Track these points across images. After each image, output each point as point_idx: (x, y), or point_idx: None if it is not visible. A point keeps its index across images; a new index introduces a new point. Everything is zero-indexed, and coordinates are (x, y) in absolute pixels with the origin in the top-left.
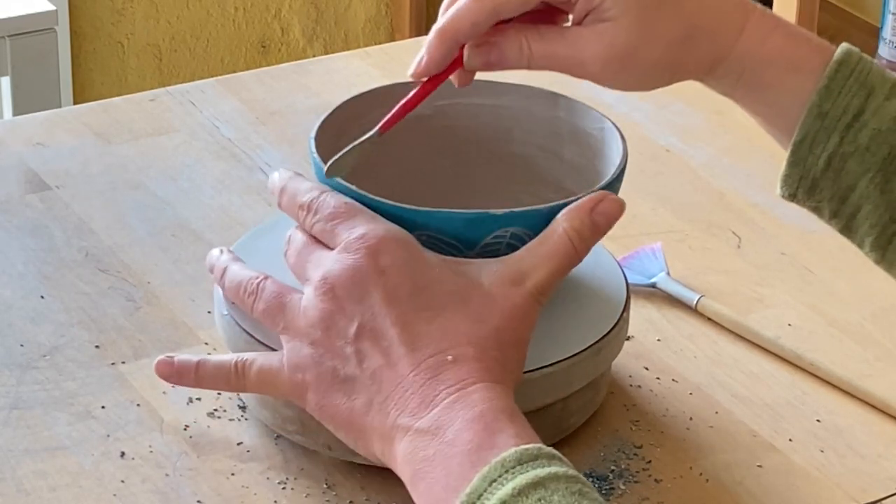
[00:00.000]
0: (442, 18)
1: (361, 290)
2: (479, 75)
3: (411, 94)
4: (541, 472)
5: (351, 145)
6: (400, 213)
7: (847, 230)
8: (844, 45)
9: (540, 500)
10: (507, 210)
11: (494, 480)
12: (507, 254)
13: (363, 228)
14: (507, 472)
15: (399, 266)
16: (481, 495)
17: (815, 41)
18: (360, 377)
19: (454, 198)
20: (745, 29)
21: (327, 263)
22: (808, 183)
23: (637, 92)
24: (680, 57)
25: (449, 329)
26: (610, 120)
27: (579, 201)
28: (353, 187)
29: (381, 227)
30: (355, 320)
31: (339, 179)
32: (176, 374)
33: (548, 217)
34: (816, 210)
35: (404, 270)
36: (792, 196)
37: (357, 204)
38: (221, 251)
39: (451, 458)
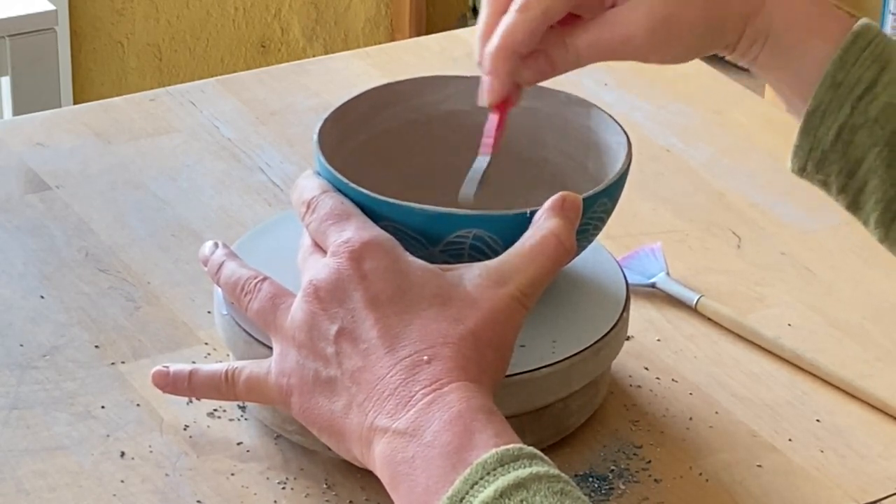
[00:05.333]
0: (494, 39)
1: (343, 293)
2: None
3: (493, 118)
4: (522, 472)
5: (475, 172)
6: (366, 201)
7: (854, 206)
8: (864, 19)
9: (522, 501)
10: (469, 211)
11: (476, 483)
12: (471, 254)
13: (350, 233)
14: (488, 473)
15: (381, 271)
16: (463, 498)
17: (837, 11)
18: (340, 379)
19: (478, 195)
20: None
21: (316, 268)
22: (817, 155)
23: (681, 63)
24: (718, 12)
25: (426, 330)
26: (626, 135)
27: (549, 201)
28: (346, 180)
29: (368, 232)
30: (336, 322)
31: (334, 172)
32: (171, 383)
33: (511, 223)
34: (825, 185)
35: (386, 275)
36: (801, 169)
37: (352, 207)
38: (216, 244)
39: (430, 460)
